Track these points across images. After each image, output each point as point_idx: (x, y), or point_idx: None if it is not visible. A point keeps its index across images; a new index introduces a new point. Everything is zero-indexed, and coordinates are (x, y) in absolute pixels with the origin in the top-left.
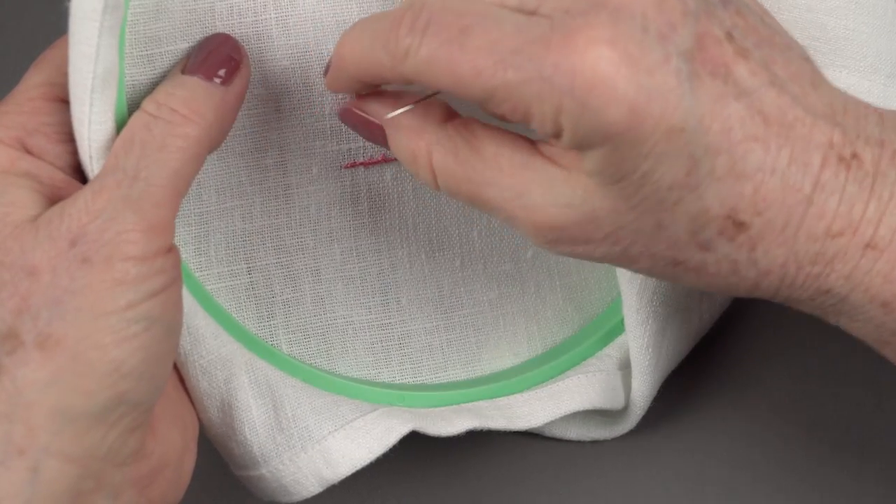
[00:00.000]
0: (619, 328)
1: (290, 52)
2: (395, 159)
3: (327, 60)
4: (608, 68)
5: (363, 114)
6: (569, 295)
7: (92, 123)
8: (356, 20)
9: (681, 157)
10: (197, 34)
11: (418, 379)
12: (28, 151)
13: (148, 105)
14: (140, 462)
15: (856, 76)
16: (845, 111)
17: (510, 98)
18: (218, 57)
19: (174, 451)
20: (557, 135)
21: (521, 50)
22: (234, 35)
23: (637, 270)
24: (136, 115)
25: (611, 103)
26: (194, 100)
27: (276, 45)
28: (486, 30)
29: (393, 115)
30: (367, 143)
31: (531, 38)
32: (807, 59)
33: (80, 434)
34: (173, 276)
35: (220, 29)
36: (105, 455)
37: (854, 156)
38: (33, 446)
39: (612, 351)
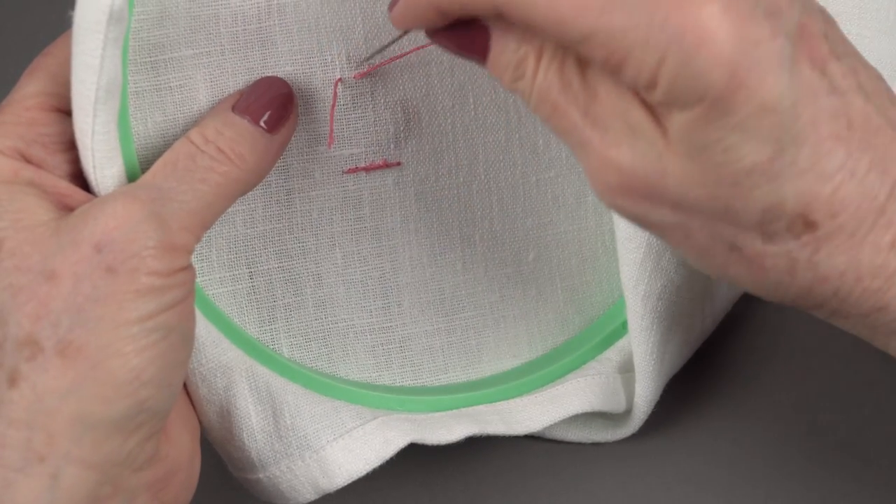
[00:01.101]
0: (619, 331)
1: (293, 57)
2: (397, 164)
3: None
4: (720, 29)
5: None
6: (570, 297)
7: (95, 134)
8: (359, 26)
9: (768, 140)
10: (201, 41)
11: (419, 381)
12: (27, 162)
13: (196, 137)
14: (155, 466)
15: None
16: None
17: (610, 42)
18: (269, 100)
19: (185, 454)
20: (651, 86)
21: None
22: (237, 41)
23: (686, 250)
24: (182, 144)
25: (715, 64)
26: (240, 143)
27: (280, 50)
28: None
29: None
30: (368, 149)
31: None
32: (881, 79)
33: (100, 441)
34: (189, 289)
35: (224, 35)
36: (123, 461)
37: None
38: (53, 453)
39: (612, 354)
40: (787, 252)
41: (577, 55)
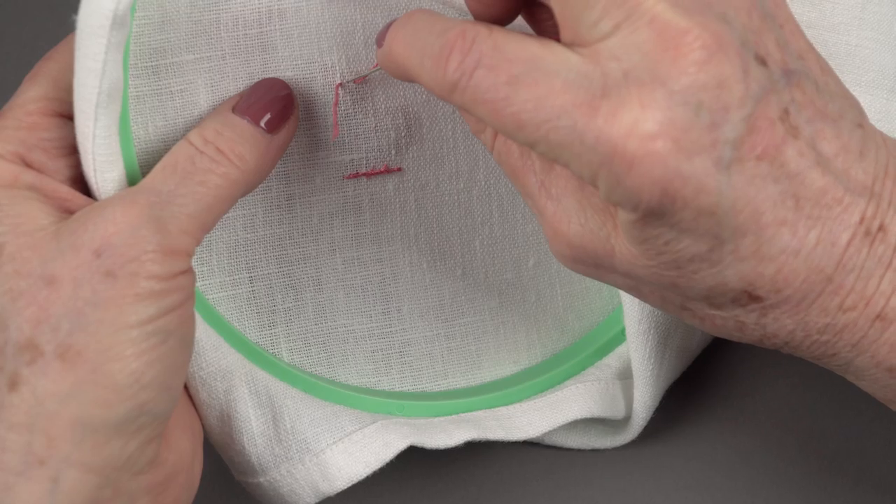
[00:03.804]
0: (619, 338)
1: (293, 62)
2: (398, 169)
3: (330, 71)
4: (650, 154)
5: None
6: (569, 303)
7: (96, 138)
8: (359, 32)
9: (706, 236)
10: (202, 45)
11: (418, 387)
12: (28, 166)
13: (195, 138)
14: (156, 470)
15: (856, 91)
16: (886, 174)
17: (550, 152)
18: (269, 102)
19: (186, 458)
20: (593, 186)
21: (567, 112)
22: (238, 46)
23: (643, 301)
24: (182, 146)
25: (645, 185)
26: (240, 144)
27: (280, 55)
28: (535, 82)
29: None
30: (369, 154)
31: (579, 100)
32: (859, 125)
33: (100, 444)
34: (189, 292)
35: (225, 40)
36: (123, 465)
37: (881, 228)
38: (54, 457)
39: (611, 361)
40: (735, 316)
41: None
